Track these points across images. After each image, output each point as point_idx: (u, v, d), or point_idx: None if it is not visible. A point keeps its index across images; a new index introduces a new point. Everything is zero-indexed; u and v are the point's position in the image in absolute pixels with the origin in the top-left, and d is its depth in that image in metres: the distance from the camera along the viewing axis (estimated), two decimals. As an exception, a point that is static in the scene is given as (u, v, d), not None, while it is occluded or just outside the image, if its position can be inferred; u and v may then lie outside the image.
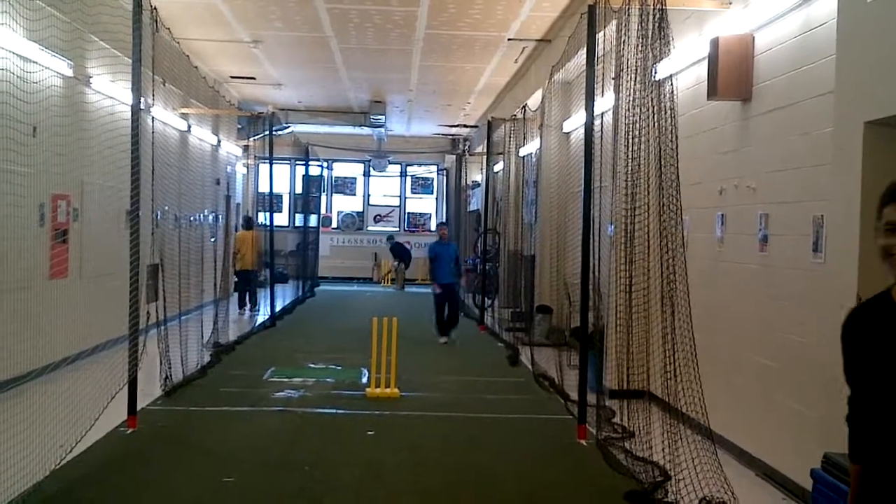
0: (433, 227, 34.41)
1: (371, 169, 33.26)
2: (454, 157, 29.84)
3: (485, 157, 22.53)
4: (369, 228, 33.86)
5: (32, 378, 9.86)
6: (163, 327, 11.02)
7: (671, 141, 7.35)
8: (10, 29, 9.63)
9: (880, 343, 2.92)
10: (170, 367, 10.91)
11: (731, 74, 8.43)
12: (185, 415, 9.93)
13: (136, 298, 9.26)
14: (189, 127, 18.26)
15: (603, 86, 9.31)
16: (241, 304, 20.06)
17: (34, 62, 10.36)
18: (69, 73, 11.65)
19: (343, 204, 34.25)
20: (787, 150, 7.68)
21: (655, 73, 7.68)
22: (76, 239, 12.56)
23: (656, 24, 7.47)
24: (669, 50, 7.50)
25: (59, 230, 11.91)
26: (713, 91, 8.62)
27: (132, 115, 9.24)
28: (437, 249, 16.83)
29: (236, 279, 20.23)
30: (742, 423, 8.47)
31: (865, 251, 5.86)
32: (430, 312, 16.18)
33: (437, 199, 34.42)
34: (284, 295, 22.94)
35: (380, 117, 26.32)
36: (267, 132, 20.61)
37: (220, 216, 20.41)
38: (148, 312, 10.20)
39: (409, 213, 34.55)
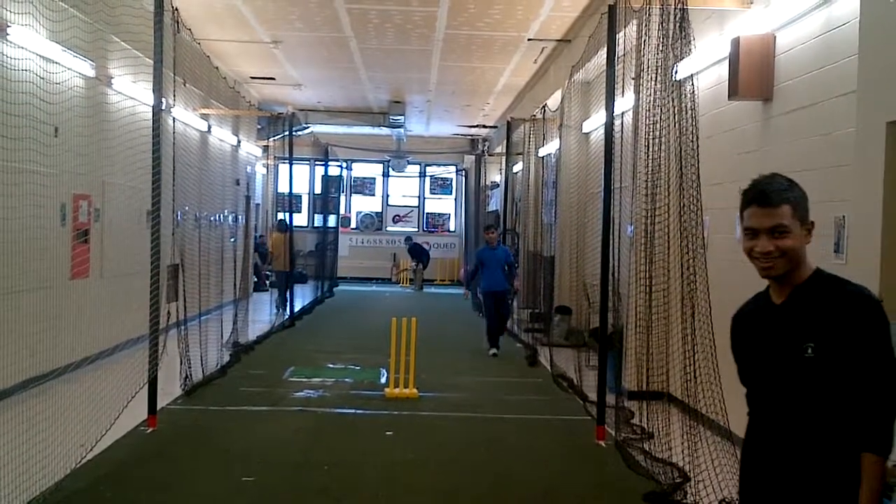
0: (452, 228, 34.42)
1: (390, 169, 33.30)
2: (473, 157, 29.81)
3: (504, 157, 22.50)
4: (388, 229, 33.91)
5: (54, 377, 9.93)
6: (183, 327, 11.06)
7: (692, 141, 7.32)
8: (34, 30, 9.69)
9: (757, 335, 3.38)
10: (190, 367, 10.95)
11: (753, 74, 8.39)
12: (205, 414, 9.97)
13: (157, 298, 9.31)
14: (209, 127, 18.33)
15: (623, 86, 9.29)
16: (283, 305, 19.69)
17: (57, 63, 10.42)
18: (91, 73, 11.71)
19: (362, 204, 34.31)
20: (809, 150, 7.64)
21: (676, 72, 7.65)
22: (97, 239, 12.63)
23: (677, 24, 7.44)
24: (690, 50, 7.47)
25: (80, 230, 11.97)
26: (734, 91, 8.58)
27: (153, 116, 9.28)
28: (484, 255, 15.45)
29: (274, 279, 21.36)
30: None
31: (887, 252, 5.82)
32: (449, 313, 16.27)
33: (455, 199, 34.42)
34: (304, 295, 22.98)
35: (399, 117, 26.34)
36: (286, 132, 20.65)
37: (240, 216, 20.47)
38: (168, 312, 10.25)
39: (427, 214, 34.56)
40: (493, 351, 14.99)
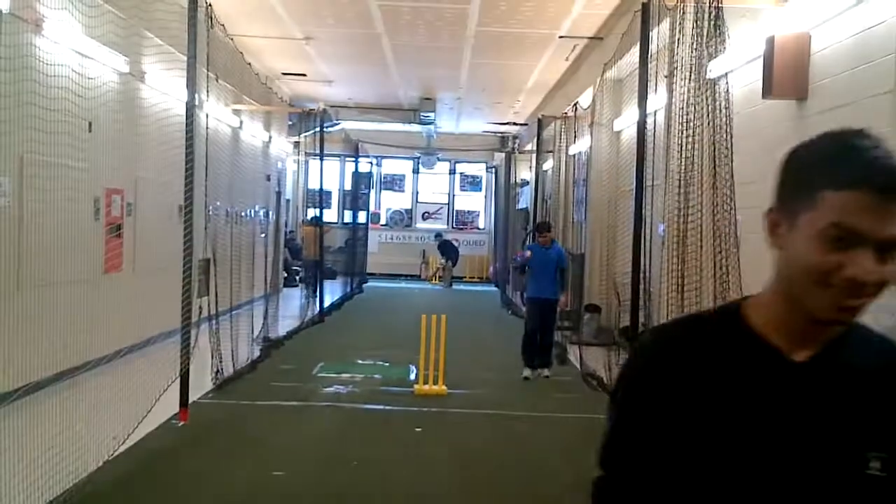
0: (482, 225, 34.37)
1: (420, 166, 33.33)
2: (503, 154, 29.77)
3: (534, 154, 22.47)
4: (417, 226, 33.92)
5: (87, 370, 10.00)
6: (214, 322, 11.13)
7: (726, 139, 7.29)
8: (69, 25, 9.77)
9: (747, 415, 1.70)
10: (221, 361, 11.01)
11: (787, 73, 8.32)
12: (236, 408, 10.02)
13: (189, 293, 9.37)
14: (241, 123, 18.42)
15: (656, 84, 9.25)
16: (313, 293, 20.20)
17: (91, 58, 10.50)
18: (125, 69, 11.79)
19: (392, 201, 34.36)
20: (844, 149, 7.57)
21: (710, 71, 7.61)
22: (130, 233, 12.73)
23: (712, 22, 7.40)
24: (724, 48, 7.43)
25: (113, 224, 12.07)
26: (768, 90, 8.52)
27: (186, 112, 9.33)
28: (535, 253, 12.72)
29: (301, 265, 22.97)
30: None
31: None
32: (478, 310, 16.22)
33: (485, 196, 34.39)
34: (333, 291, 23.05)
35: (429, 114, 26.34)
36: (317, 129, 20.72)
37: (271, 212, 20.55)
38: (200, 307, 10.31)
39: (457, 211, 34.57)
40: (527, 373, 12.52)
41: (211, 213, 11.68)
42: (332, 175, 29.33)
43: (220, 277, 11.61)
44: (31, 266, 9.23)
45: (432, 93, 24.69)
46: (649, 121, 9.24)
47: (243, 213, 17.52)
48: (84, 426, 7.33)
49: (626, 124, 14.49)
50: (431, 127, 28.41)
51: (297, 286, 23.72)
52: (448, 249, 30.87)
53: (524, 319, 12.88)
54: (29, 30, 9.40)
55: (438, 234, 31.88)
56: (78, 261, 10.28)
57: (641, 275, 9.19)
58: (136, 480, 7.26)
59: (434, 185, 34.43)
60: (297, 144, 25.09)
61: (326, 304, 20.04)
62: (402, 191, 34.42)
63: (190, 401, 9.34)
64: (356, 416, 10.01)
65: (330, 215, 28.24)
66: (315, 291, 19.73)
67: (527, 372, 12.51)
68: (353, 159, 27.53)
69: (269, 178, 21.68)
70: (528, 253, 12.85)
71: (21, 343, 8.30)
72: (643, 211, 9.14)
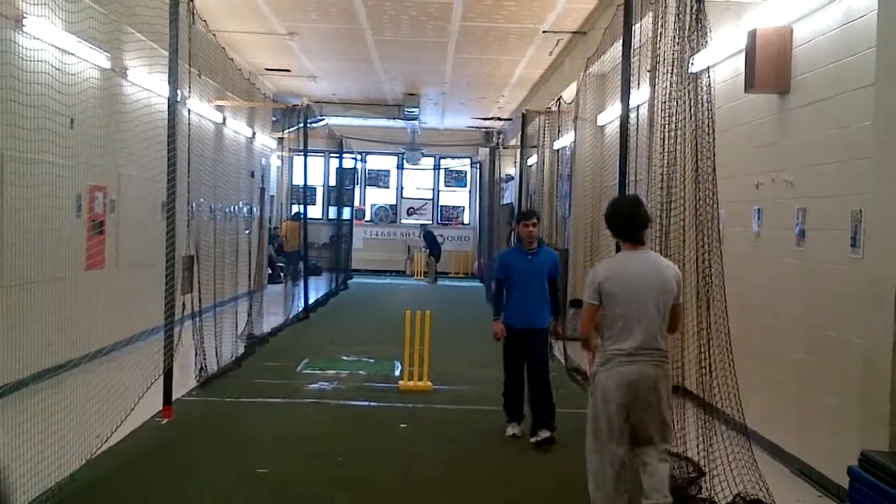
0: (467, 221, 34.35)
1: (404, 162, 33.29)
2: (488, 150, 29.78)
3: (518, 150, 22.46)
4: (402, 221, 33.89)
5: (69, 368, 9.96)
6: (198, 318, 11.09)
7: (708, 134, 7.29)
8: (50, 21, 9.71)
9: None
10: (205, 358, 10.98)
11: (769, 67, 8.34)
12: (220, 406, 9.99)
13: (172, 290, 9.33)
14: (224, 119, 18.35)
15: (639, 78, 9.25)
16: (294, 280, 21.26)
17: (72, 54, 10.44)
18: (107, 65, 11.73)
19: (376, 197, 34.31)
20: (826, 143, 7.60)
21: (692, 65, 7.61)
22: (112, 230, 12.67)
23: (693, 16, 7.40)
24: (707, 42, 7.43)
25: (95, 221, 12.01)
26: (750, 84, 8.54)
27: (168, 108, 9.30)
28: (512, 262, 9.14)
29: (285, 259, 24.18)
30: (778, 419, 8.40)
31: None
32: (463, 305, 15.69)
33: (470, 192, 34.39)
34: (318, 287, 23.02)
35: (414, 110, 26.30)
36: (301, 124, 20.68)
37: (255, 208, 20.51)
38: (183, 304, 10.27)
39: (441, 207, 34.55)
40: (514, 430, 9.13)
41: (194, 209, 11.64)
42: (317, 171, 29.31)
43: (203, 274, 11.56)
44: (13, 263, 9.17)
45: (417, 88, 24.65)
46: (633, 115, 9.23)
47: (227, 210, 17.46)
48: (67, 425, 7.29)
49: (610, 119, 14.50)
50: (416, 122, 28.39)
51: (281, 283, 23.75)
52: (432, 241, 30.73)
53: (503, 358, 9.33)
54: (9, 26, 9.34)
55: (423, 225, 31.86)
56: (60, 258, 10.23)
57: (625, 269, 9.16)
58: (120, 478, 7.23)
59: (419, 180, 34.42)
60: (280, 140, 25.09)
61: (311, 300, 20.01)
62: (387, 187, 34.38)
63: (174, 398, 9.31)
64: (341, 413, 10.00)
65: (314, 211, 28.22)
66: (295, 283, 20.01)
67: (512, 428, 9.13)
68: (338, 155, 27.49)
69: (252, 175, 21.61)
70: (496, 281, 9.41)
71: (2, 341, 8.26)
72: (627, 205, 9.13)
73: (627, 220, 6.03)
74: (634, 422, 5.85)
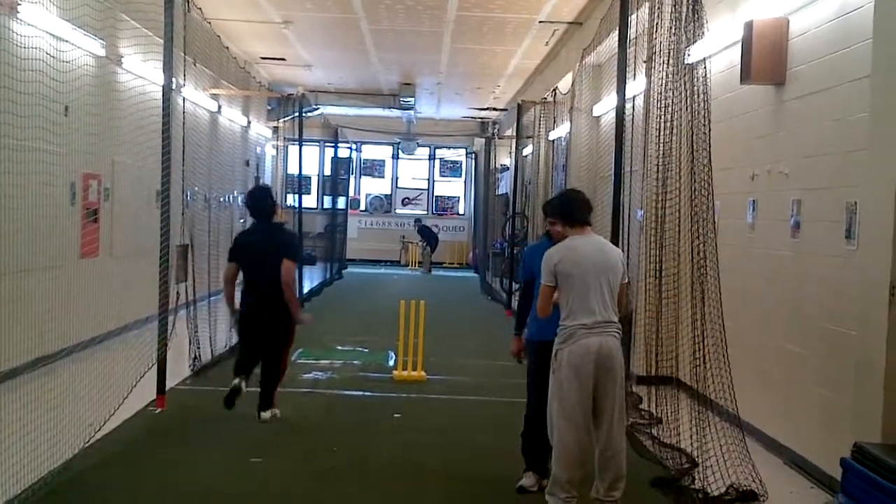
0: (462, 211, 34.34)
1: (400, 152, 33.24)
2: (483, 140, 29.74)
3: (514, 140, 22.45)
4: (397, 211, 33.87)
5: (62, 357, 9.94)
6: (192, 308, 11.07)
7: (704, 125, 7.29)
8: (44, 8, 9.66)
9: None
10: (199, 348, 10.96)
11: (765, 58, 8.33)
12: (214, 395, 9.94)
13: (166, 278, 9.31)
14: (219, 107, 18.29)
15: (635, 69, 9.24)
16: None
17: (66, 41, 10.39)
18: (101, 52, 11.68)
19: (371, 186, 34.28)
20: (821, 135, 7.59)
21: (688, 56, 7.61)
22: (107, 218, 12.64)
23: (690, 7, 7.40)
24: (703, 33, 7.42)
25: (90, 209, 11.98)
26: (746, 75, 8.53)
27: (163, 96, 9.26)
28: (536, 261, 6.66)
29: None
30: (771, 411, 8.41)
31: (900, 238, 5.79)
32: (457, 296, 15.49)
33: (465, 182, 34.36)
34: (312, 277, 22.99)
35: (409, 100, 26.27)
36: (297, 114, 20.62)
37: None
38: (178, 293, 10.25)
39: (437, 197, 34.52)
40: (528, 481, 7.00)
41: (189, 198, 11.60)
42: (312, 160, 29.25)
43: (198, 263, 11.54)
44: (6, 251, 9.13)
45: (412, 78, 24.61)
46: (628, 106, 9.23)
47: (222, 199, 17.43)
48: (60, 414, 7.27)
49: (606, 109, 14.48)
50: (411, 112, 28.33)
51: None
52: (428, 235, 30.79)
53: (527, 383, 7.19)
54: (4, 13, 9.29)
55: (418, 219, 31.84)
56: (53, 246, 10.20)
57: (620, 260, 9.18)
58: (113, 467, 7.22)
59: (414, 170, 34.38)
60: (276, 129, 25.01)
61: (306, 290, 19.99)
62: (382, 176, 34.35)
63: (167, 387, 9.30)
64: (335, 403, 10.00)
65: (310, 201, 28.16)
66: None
67: (528, 479, 6.99)
68: (333, 144, 27.43)
69: (248, 164, 21.58)
70: (523, 283, 7.57)
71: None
72: (622, 196, 9.14)
73: (578, 206, 6.50)
74: (600, 393, 6.17)
